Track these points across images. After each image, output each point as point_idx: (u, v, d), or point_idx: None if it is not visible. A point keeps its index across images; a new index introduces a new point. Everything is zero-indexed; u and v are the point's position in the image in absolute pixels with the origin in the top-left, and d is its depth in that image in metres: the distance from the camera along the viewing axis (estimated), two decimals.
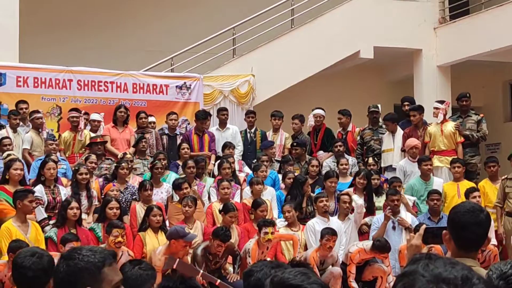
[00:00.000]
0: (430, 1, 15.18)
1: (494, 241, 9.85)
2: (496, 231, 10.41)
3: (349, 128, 12.63)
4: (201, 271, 8.38)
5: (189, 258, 9.02)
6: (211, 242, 8.89)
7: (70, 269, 2.83)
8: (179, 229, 8.80)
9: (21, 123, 11.24)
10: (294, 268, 2.44)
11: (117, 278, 2.95)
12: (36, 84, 12.84)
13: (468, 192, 10.42)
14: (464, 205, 3.61)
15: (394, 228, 10.05)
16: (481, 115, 12.49)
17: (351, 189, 10.57)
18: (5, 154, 10.32)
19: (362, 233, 9.90)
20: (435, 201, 10.21)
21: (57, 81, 12.97)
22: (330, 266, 9.10)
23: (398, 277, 1.74)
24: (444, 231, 3.44)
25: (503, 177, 10.79)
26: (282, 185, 11.19)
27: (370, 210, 10.52)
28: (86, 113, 11.88)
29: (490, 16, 14.28)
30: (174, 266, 8.11)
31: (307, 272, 2.30)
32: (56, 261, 3.38)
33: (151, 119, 12.37)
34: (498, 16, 14.08)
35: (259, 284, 2.80)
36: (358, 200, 10.12)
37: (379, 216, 10.21)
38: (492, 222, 8.50)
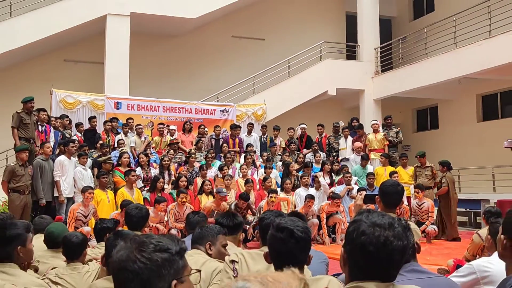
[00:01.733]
0: (369, 61, 16.37)
1: (406, 203, 10.21)
2: (408, 197, 10.72)
3: (323, 135, 13.32)
4: None
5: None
6: (238, 201, 9.28)
7: (201, 231, 3.12)
8: (220, 189, 9.36)
9: (129, 131, 11.70)
10: (289, 216, 2.45)
11: (225, 241, 3.19)
12: (139, 108, 13.28)
13: (391, 174, 10.91)
14: (389, 181, 3.65)
15: (347, 194, 10.46)
16: (398, 128, 13.18)
17: (321, 172, 10.97)
18: (120, 149, 10.75)
19: (329, 198, 9.95)
20: (371, 179, 10.71)
21: (151, 107, 13.42)
22: (311, 217, 9.40)
23: (350, 223, 1.74)
24: (376, 196, 3.49)
25: (414, 165, 11.38)
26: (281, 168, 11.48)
27: (331, 183, 11.00)
28: (167, 126, 12.40)
29: (404, 70, 15.41)
30: (214, 216, 8.02)
31: (294, 219, 2.29)
32: (150, 213, 4.17)
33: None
34: (409, 70, 15.15)
35: (268, 225, 2.69)
36: (323, 181, 10.54)
37: (338, 187, 10.66)
38: (405, 191, 9.78)
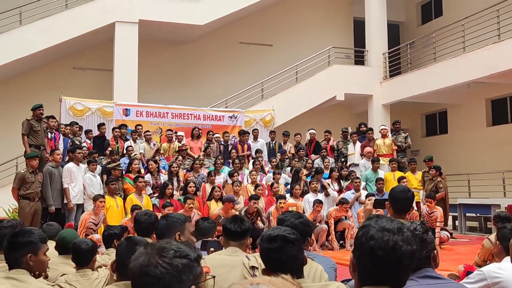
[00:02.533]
0: (377, 67, 16.35)
1: (415, 208, 10.05)
2: (417, 203, 10.55)
3: (330, 142, 13.22)
4: None
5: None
6: (249, 204, 9.20)
7: (167, 223, 3.07)
8: (232, 198, 9.23)
9: (138, 138, 11.72)
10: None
11: (192, 228, 3.21)
12: (147, 115, 13.32)
13: (400, 179, 10.79)
14: (399, 187, 3.68)
15: (357, 200, 10.49)
16: (407, 133, 13.12)
17: (329, 180, 10.92)
18: (133, 154, 10.83)
19: (337, 204, 9.84)
20: (380, 185, 10.65)
21: (159, 113, 13.46)
22: (319, 223, 9.42)
23: (359, 228, 1.75)
24: (386, 202, 3.49)
25: (423, 170, 11.34)
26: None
27: (340, 190, 10.97)
28: (175, 132, 12.36)
29: (413, 75, 15.38)
30: (220, 221, 7.81)
31: (279, 226, 2.48)
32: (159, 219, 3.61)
33: (217, 135, 12.70)
34: (418, 75, 15.12)
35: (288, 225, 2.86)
36: (332, 192, 10.50)
37: (348, 193, 10.68)
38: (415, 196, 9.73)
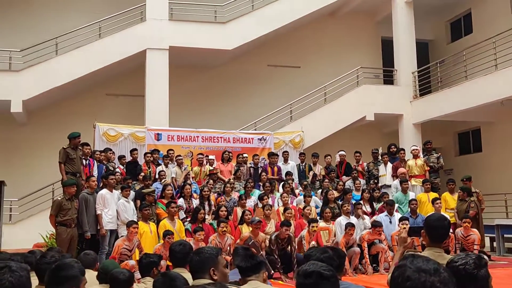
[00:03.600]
0: (407, 86, 16.23)
1: (451, 230, 9.47)
2: (453, 224, 10.23)
3: (360, 162, 13.16)
4: (261, 252, 8.51)
5: (267, 242, 8.98)
6: (280, 230, 8.95)
7: (200, 259, 3.03)
8: (253, 219, 9.19)
9: (170, 162, 11.83)
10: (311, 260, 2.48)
11: (224, 261, 3.16)
12: (178, 139, 13.42)
13: (433, 200, 10.61)
14: (435, 215, 3.61)
15: (390, 222, 10.19)
16: (439, 153, 12.89)
17: (361, 201, 10.75)
18: (163, 181, 10.87)
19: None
20: (414, 205, 10.41)
21: (190, 137, 13.54)
22: (352, 246, 9.28)
23: (394, 269, 1.74)
24: (422, 230, 3.43)
25: (459, 191, 11.01)
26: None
27: (373, 212, 10.83)
28: (206, 156, 12.40)
29: (444, 93, 15.26)
30: (249, 244, 8.32)
31: (315, 262, 2.35)
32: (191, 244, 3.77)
33: (245, 155, 12.68)
34: (449, 93, 15.00)
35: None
36: (368, 221, 10.27)
37: (381, 215, 10.38)
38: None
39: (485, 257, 9.53)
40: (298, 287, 2.28)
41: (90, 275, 4.36)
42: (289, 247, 8.99)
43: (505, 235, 12.12)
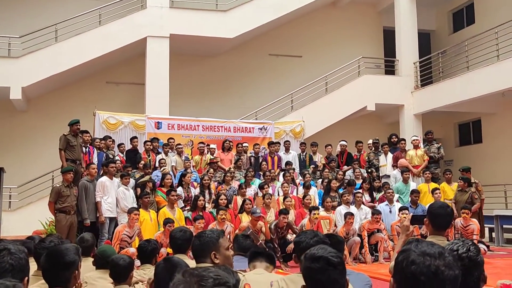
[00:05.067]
0: (408, 76, 16.18)
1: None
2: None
3: (362, 152, 13.19)
4: (260, 241, 8.62)
5: (263, 229, 9.04)
6: (279, 218, 9.04)
7: (201, 243, 2.97)
8: (254, 210, 9.16)
9: (170, 151, 11.84)
10: (318, 244, 2.53)
11: (227, 243, 3.03)
12: (179, 128, 13.42)
13: (433, 190, 10.68)
14: (437, 202, 3.62)
15: (390, 211, 10.25)
16: (440, 144, 12.89)
17: (361, 191, 10.80)
18: (162, 169, 10.85)
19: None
20: (415, 196, 10.43)
21: (191, 126, 13.55)
22: (352, 236, 9.33)
23: (399, 253, 1.73)
24: (424, 218, 3.42)
25: (458, 181, 10.93)
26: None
27: (372, 201, 10.90)
28: (207, 145, 12.41)
29: (445, 84, 15.23)
30: (248, 233, 8.35)
31: (324, 246, 2.33)
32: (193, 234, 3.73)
33: (245, 144, 12.71)
34: (450, 84, 14.96)
35: (304, 248, 2.75)
36: (366, 209, 10.31)
37: (381, 205, 10.48)
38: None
39: (484, 247, 9.60)
40: (304, 271, 2.24)
41: (87, 262, 4.31)
42: (289, 235, 9.02)
43: (504, 226, 12.12)
